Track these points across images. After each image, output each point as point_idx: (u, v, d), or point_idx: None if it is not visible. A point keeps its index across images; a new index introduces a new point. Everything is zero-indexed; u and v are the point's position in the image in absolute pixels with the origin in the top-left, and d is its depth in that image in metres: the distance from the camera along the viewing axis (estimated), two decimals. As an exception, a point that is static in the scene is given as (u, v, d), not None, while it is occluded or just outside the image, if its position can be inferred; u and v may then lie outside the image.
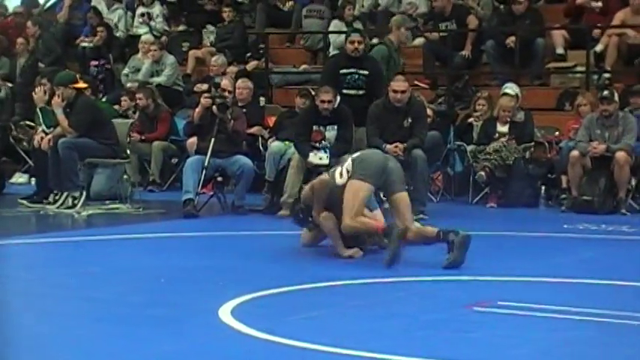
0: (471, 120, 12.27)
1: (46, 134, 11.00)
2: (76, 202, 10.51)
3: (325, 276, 6.54)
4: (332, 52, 14.62)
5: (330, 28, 15.29)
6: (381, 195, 7.78)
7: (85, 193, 10.67)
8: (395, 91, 10.18)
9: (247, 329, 4.91)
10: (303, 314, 5.37)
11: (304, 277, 6.46)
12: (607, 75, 13.20)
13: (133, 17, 16.60)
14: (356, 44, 10.69)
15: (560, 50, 13.71)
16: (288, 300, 5.87)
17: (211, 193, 10.90)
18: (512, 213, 10.83)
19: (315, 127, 10.37)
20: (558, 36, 13.79)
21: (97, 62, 15.59)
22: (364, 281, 6.48)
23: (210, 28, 16.04)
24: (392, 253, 6.85)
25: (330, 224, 7.43)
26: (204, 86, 13.33)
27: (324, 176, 7.65)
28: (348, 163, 7.41)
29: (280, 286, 6.14)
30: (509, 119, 11.56)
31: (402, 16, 12.57)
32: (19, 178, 13.85)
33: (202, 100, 10.65)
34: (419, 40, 14.88)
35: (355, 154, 7.57)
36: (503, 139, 11.49)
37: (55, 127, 10.91)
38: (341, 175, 7.36)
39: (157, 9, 16.28)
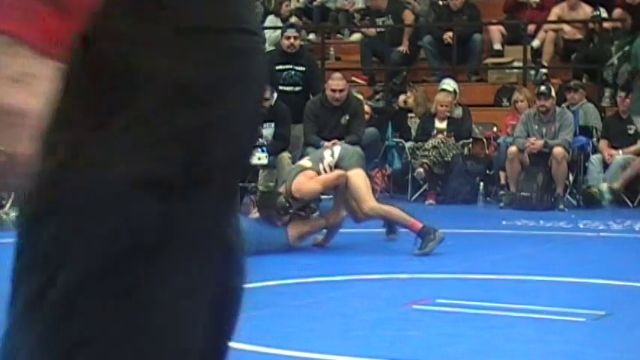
0: (411, 115, 12.25)
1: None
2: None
3: (260, 275, 6.42)
4: (267, 48, 14.50)
5: (266, 24, 15.18)
6: None
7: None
8: (333, 90, 10.14)
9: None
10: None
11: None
12: (544, 71, 13.28)
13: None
14: (292, 40, 10.61)
15: (497, 46, 13.77)
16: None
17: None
18: (451, 210, 10.80)
19: (251, 125, 10.25)
20: (495, 32, 13.85)
21: None
22: (301, 280, 6.40)
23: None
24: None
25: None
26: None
27: (311, 171, 7.61)
28: (329, 158, 7.59)
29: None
30: (447, 115, 11.55)
31: None
32: None
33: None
34: (356, 36, 14.85)
35: (336, 148, 7.86)
36: (441, 136, 11.47)
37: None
38: (325, 170, 7.57)
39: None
